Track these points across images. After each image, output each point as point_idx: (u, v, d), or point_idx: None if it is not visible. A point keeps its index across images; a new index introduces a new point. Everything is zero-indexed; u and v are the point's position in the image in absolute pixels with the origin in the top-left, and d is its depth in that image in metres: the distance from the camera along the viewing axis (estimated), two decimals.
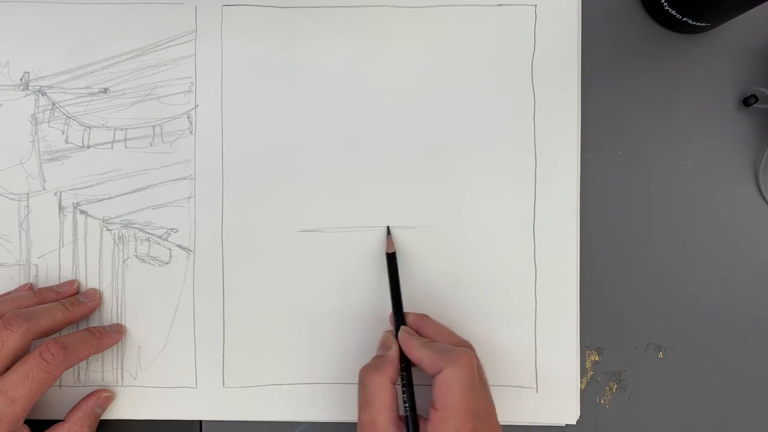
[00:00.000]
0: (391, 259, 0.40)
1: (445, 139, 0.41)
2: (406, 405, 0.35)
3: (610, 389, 0.42)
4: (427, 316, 0.39)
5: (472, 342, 0.37)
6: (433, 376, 0.34)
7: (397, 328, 0.38)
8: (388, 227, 0.41)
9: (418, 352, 0.35)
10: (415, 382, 0.36)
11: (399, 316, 0.38)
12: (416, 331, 0.38)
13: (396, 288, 0.39)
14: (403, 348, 0.36)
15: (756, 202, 0.42)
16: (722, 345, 0.42)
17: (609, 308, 0.42)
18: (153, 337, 0.41)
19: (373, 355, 0.38)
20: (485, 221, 0.41)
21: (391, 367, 0.35)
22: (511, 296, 0.41)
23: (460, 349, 0.35)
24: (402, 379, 0.36)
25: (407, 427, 0.34)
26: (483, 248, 0.41)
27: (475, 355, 0.35)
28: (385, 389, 0.34)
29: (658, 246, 0.42)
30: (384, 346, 0.37)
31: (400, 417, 0.35)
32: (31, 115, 0.41)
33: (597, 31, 0.42)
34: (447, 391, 0.33)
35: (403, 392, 0.36)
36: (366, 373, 0.35)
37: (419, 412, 0.36)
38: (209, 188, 0.41)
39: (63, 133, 0.41)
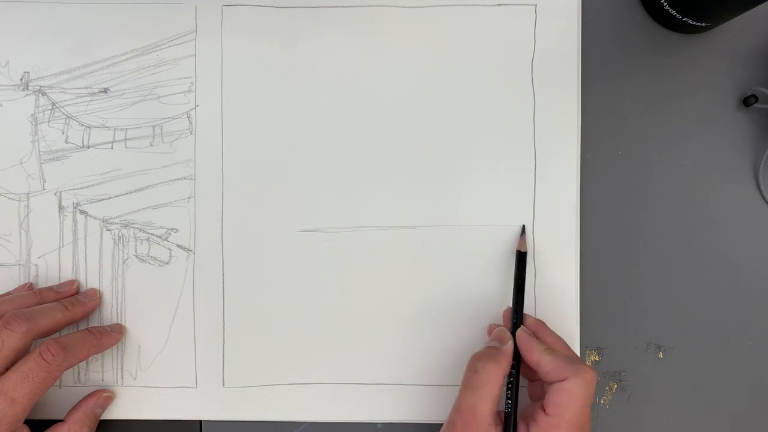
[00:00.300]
0: (522, 258, 0.39)
1: (444, 139, 0.41)
2: (509, 401, 0.35)
3: (610, 389, 0.42)
4: (544, 323, 0.38)
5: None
6: (550, 383, 0.34)
7: (515, 326, 0.38)
8: (523, 226, 0.41)
9: (538, 356, 0.35)
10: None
11: (519, 315, 0.38)
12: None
13: (520, 287, 0.39)
14: (522, 348, 0.36)
15: (756, 202, 0.42)
16: (722, 345, 0.42)
17: (609, 308, 0.42)
18: (153, 337, 0.41)
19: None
20: (485, 221, 0.41)
21: (506, 361, 0.35)
22: (511, 296, 0.41)
23: (585, 364, 0.35)
24: (510, 377, 0.36)
25: (504, 423, 0.35)
26: (483, 248, 0.41)
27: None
28: (496, 380, 0.34)
29: (658, 246, 0.42)
30: (499, 339, 0.37)
31: (498, 411, 0.35)
32: (31, 115, 0.41)
33: (597, 31, 0.42)
34: (565, 401, 0.33)
35: (508, 389, 0.36)
36: (479, 360, 0.35)
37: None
38: (209, 188, 0.41)
39: (63, 133, 0.41)
